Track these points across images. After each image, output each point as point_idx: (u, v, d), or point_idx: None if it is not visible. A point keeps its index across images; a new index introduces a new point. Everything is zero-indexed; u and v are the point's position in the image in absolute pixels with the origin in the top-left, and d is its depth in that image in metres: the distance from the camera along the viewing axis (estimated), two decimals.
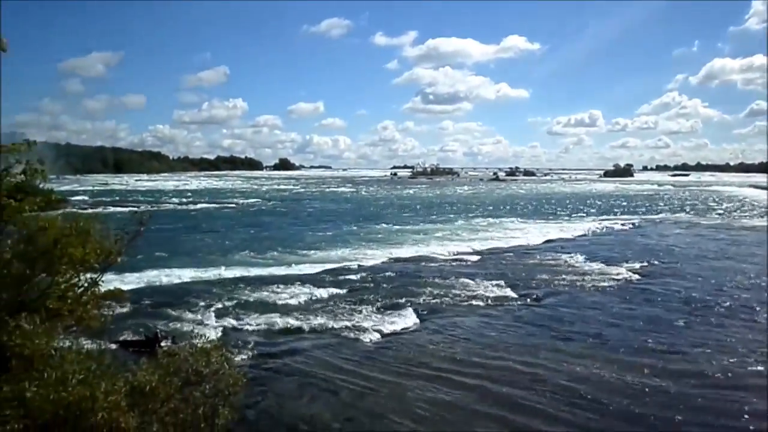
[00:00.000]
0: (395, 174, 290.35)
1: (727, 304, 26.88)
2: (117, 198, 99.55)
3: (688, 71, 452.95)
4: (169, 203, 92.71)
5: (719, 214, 79.05)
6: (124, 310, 23.50)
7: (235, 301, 26.87)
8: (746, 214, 78.67)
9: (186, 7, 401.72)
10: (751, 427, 14.71)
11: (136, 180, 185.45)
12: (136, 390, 8.19)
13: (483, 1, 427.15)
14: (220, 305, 26.18)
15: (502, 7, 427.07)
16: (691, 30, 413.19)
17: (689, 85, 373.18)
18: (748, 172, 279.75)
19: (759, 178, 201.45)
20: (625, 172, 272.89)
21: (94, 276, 10.33)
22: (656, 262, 38.50)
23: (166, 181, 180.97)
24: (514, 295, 28.94)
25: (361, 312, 25.38)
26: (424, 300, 27.75)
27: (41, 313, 8.93)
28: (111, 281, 11.70)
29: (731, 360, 19.34)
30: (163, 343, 19.33)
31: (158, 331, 20.95)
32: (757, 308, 26.02)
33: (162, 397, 8.34)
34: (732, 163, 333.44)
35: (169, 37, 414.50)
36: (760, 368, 18.60)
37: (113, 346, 18.91)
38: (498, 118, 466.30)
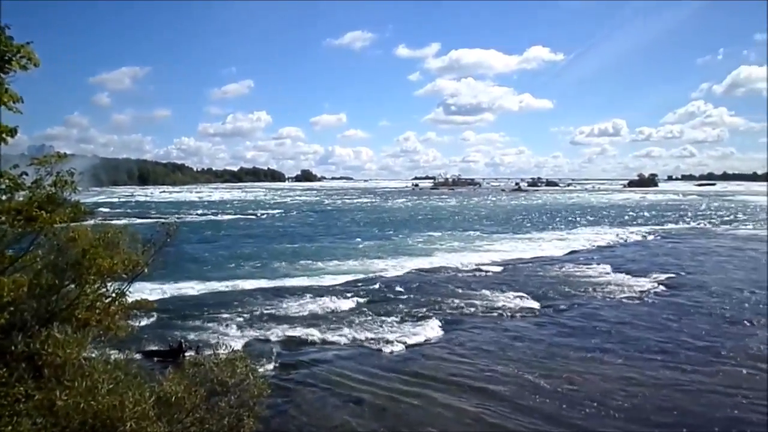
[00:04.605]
0: (417, 185, 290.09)
1: (755, 317, 26.30)
2: (142, 209, 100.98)
3: (713, 79, 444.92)
4: (193, 214, 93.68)
5: (745, 224, 77.50)
6: (149, 320, 23.79)
7: (258, 312, 27.02)
8: None
9: (212, 22, 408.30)
10: None
11: (161, 192, 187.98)
12: (163, 400, 8.24)
13: (505, 13, 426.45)
14: (243, 316, 26.36)
15: (525, 19, 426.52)
16: (716, 38, 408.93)
17: (714, 93, 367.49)
18: None
19: None
20: (649, 181, 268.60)
21: (122, 286, 10.46)
22: (682, 274, 37.89)
23: (190, 193, 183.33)
24: (537, 306, 28.67)
25: (384, 323, 25.35)
26: (447, 311, 27.63)
27: (71, 322, 9.05)
28: (138, 291, 11.83)
29: (756, 370, 19.02)
30: (187, 353, 19.50)
31: (182, 341, 21.14)
32: None
33: (188, 407, 8.37)
34: (760, 172, 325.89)
35: (196, 52, 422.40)
36: None
37: (139, 356, 19.08)
38: (520, 128, 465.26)
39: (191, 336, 22.89)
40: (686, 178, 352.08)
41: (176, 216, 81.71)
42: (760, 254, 47.36)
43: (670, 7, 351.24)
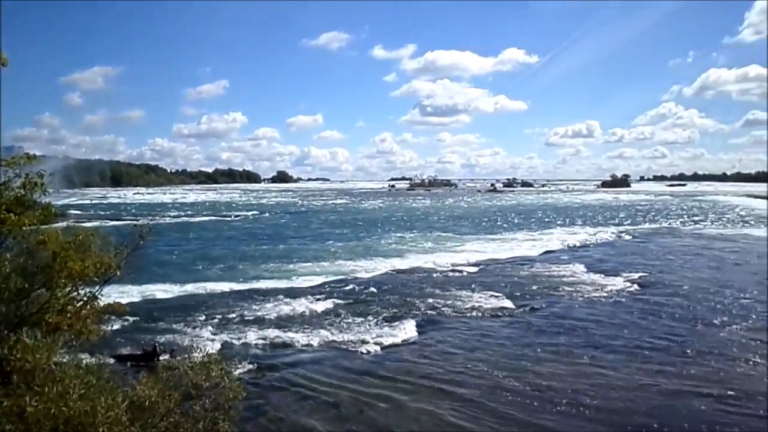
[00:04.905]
0: (393, 186, 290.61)
1: (720, 316, 26.90)
2: (114, 211, 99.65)
3: (683, 82, 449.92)
4: (167, 216, 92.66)
5: (715, 223, 79.16)
6: (124, 323, 23.54)
7: (233, 314, 26.81)
8: (741, 223, 78.74)
9: (187, 22, 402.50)
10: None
11: (134, 193, 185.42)
12: (136, 404, 8.14)
13: (481, 15, 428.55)
14: (217, 318, 26.15)
15: (500, 21, 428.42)
16: (687, 41, 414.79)
17: (684, 95, 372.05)
18: (746, 181, 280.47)
19: (756, 187, 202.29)
20: (622, 182, 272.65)
21: (94, 290, 10.31)
22: (654, 272, 38.53)
23: (164, 194, 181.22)
24: (512, 306, 28.91)
25: (361, 324, 25.35)
26: (423, 312, 27.73)
27: (41, 327, 8.90)
28: (110, 295, 11.68)
29: (721, 366, 19.48)
30: (161, 357, 19.30)
31: (157, 344, 20.90)
32: (748, 320, 26.14)
33: (162, 411, 8.28)
34: (729, 173, 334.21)
35: (170, 52, 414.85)
36: (750, 372, 18.71)
37: (112, 360, 18.87)
38: (496, 129, 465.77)
39: (165, 339, 22.62)
40: (658, 178, 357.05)
41: (149, 218, 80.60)
42: (724, 253, 48.79)
43: (641, 9, 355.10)
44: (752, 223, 78.52)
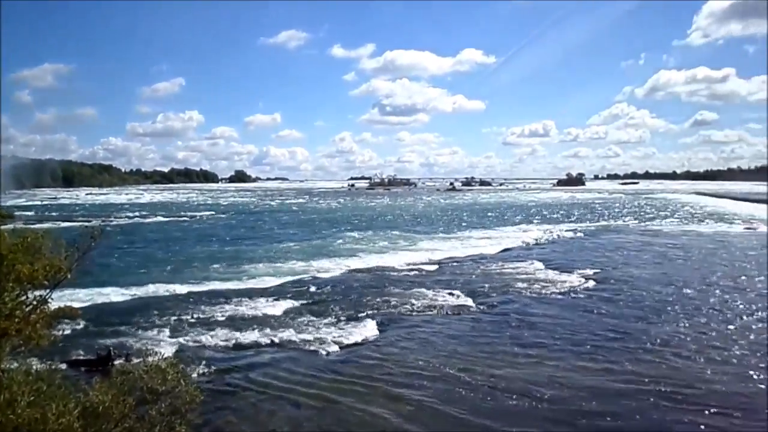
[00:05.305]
0: (353, 185, 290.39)
1: (667, 312, 27.73)
2: (66, 212, 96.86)
3: (635, 83, 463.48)
4: (121, 217, 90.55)
5: (665, 220, 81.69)
6: (76, 328, 22.93)
7: (191, 317, 26.39)
8: (689, 219, 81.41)
9: (142, 18, 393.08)
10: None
11: (87, 194, 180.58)
12: (89, 411, 7.96)
13: (439, 15, 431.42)
14: (175, 321, 25.69)
15: (459, 22, 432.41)
16: (638, 43, 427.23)
17: (636, 96, 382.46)
18: (695, 179, 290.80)
19: (703, 185, 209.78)
20: (577, 181, 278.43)
21: (44, 293, 10.02)
22: (608, 268, 39.53)
23: (118, 195, 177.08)
24: (471, 303, 29.23)
25: (320, 324, 25.25)
26: (383, 311, 27.80)
27: None
28: (61, 298, 11.37)
29: (668, 356, 20.16)
30: (116, 362, 18.86)
31: (111, 349, 20.41)
32: (693, 316, 27.07)
33: (116, 417, 8.11)
34: (678, 171, 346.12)
35: (124, 48, 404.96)
36: (696, 365, 19.36)
37: (64, 366, 18.31)
38: (454, 129, 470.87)
39: (120, 343, 22.08)
40: (611, 177, 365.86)
41: (102, 219, 78.68)
42: (666, 248, 50.91)
43: (595, 12, 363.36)
44: (701, 219, 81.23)
